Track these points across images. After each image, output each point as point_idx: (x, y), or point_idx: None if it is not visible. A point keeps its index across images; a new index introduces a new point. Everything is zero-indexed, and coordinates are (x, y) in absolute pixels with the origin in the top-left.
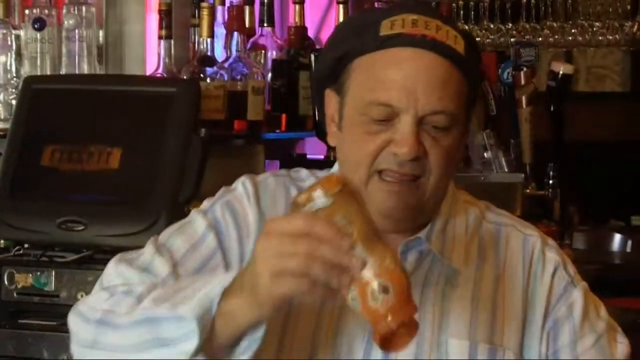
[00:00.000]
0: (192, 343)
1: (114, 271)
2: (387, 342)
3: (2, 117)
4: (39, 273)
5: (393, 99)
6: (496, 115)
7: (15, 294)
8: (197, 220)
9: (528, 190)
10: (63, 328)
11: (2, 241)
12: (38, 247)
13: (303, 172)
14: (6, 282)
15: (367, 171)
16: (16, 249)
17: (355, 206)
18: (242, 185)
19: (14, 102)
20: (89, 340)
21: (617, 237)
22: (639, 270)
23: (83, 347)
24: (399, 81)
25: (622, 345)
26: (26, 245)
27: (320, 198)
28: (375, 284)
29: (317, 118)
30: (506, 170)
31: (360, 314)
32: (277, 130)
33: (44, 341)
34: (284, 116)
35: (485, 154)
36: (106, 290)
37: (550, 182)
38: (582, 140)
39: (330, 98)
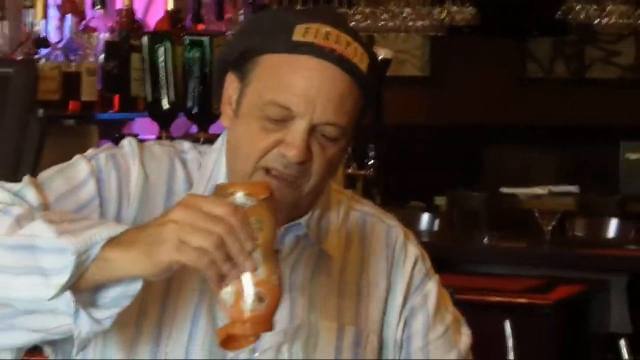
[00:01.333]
0: (64, 277)
1: None
2: (229, 342)
3: None
4: None
5: (292, 103)
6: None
7: None
8: (80, 164)
9: (350, 170)
10: None
11: None
12: None
13: (185, 145)
14: None
15: (253, 165)
16: None
17: (271, 218)
18: (128, 144)
19: None
20: None
21: (426, 216)
22: (446, 248)
23: None
24: (301, 88)
25: (464, 337)
26: None
27: (245, 197)
28: (254, 290)
29: (149, 99)
30: None
31: (225, 309)
32: (110, 111)
33: None
34: (116, 97)
35: None
36: None
37: (370, 162)
38: (394, 124)
39: (232, 81)
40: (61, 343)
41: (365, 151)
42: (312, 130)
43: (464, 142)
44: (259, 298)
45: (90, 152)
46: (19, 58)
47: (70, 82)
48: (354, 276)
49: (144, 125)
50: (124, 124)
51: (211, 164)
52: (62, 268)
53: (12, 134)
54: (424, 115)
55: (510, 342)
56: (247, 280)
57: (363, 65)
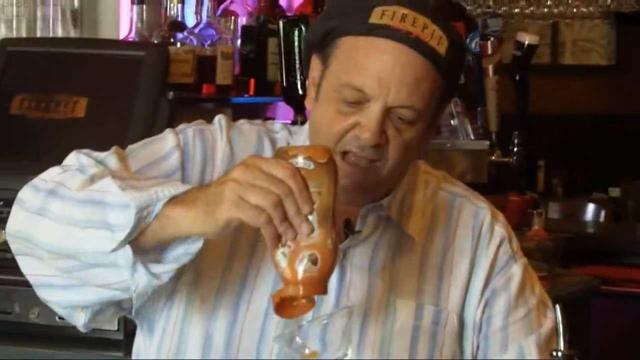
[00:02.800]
0: (125, 231)
1: (72, 158)
2: (282, 307)
3: None
4: None
5: (366, 86)
6: (463, 84)
7: None
8: (167, 137)
9: (493, 157)
10: None
11: None
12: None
13: (277, 125)
14: None
15: (332, 148)
16: None
17: (330, 182)
18: (217, 120)
19: None
20: (36, 207)
21: (591, 207)
22: (609, 239)
23: (31, 212)
24: (375, 70)
25: (549, 320)
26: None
27: (306, 159)
28: (308, 253)
29: (284, 84)
30: (472, 137)
31: (279, 270)
32: (245, 95)
33: (15, 296)
34: (252, 81)
35: (452, 122)
36: (60, 167)
37: (515, 149)
38: (551, 112)
39: (316, 64)
40: (144, 314)
41: (510, 138)
42: (387, 113)
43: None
44: (312, 260)
45: (180, 126)
46: (154, 42)
47: (205, 65)
48: (436, 257)
49: (281, 110)
50: (259, 109)
51: (300, 144)
52: (124, 223)
53: (142, 116)
54: (606, 104)
55: None
56: (302, 243)
57: (441, 48)
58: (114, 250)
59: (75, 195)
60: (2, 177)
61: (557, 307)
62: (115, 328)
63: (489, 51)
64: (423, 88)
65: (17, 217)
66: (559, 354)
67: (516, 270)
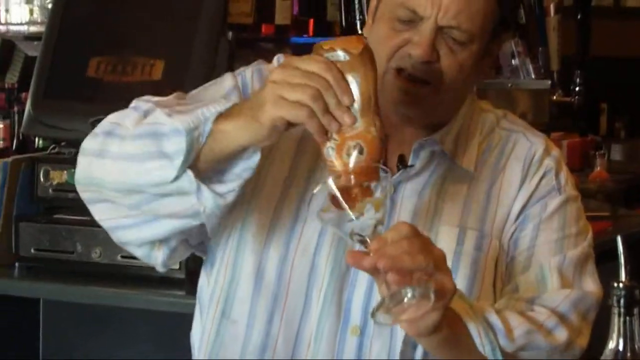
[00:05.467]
0: (181, 156)
1: (133, 104)
2: (338, 201)
3: (38, 20)
4: (73, 170)
5: (418, 5)
6: (525, 24)
7: (50, 191)
8: (226, 79)
9: (555, 97)
10: (95, 223)
11: (40, 140)
12: (73, 145)
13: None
14: (42, 179)
15: (385, 65)
16: (52, 147)
17: (367, 71)
18: (276, 59)
19: (49, 5)
20: (96, 149)
21: None
22: None
23: (91, 155)
24: None
25: (580, 248)
26: (62, 144)
27: (341, 51)
28: (354, 142)
29: (343, 24)
30: (533, 77)
31: (329, 164)
32: (305, 35)
33: (77, 236)
34: (311, 21)
35: (513, 61)
36: (117, 112)
37: (577, 89)
38: (613, 54)
39: None
40: (209, 249)
41: (572, 78)
42: (439, 31)
43: None
44: (359, 150)
45: (240, 69)
46: None
47: (265, 5)
48: (484, 187)
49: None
50: None
51: None
52: (179, 148)
53: (201, 56)
54: None
55: None
56: (347, 134)
57: None
58: (177, 177)
59: (131, 132)
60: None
61: (618, 237)
62: (178, 267)
63: None
64: (475, 10)
65: (81, 165)
66: (620, 284)
67: (557, 200)
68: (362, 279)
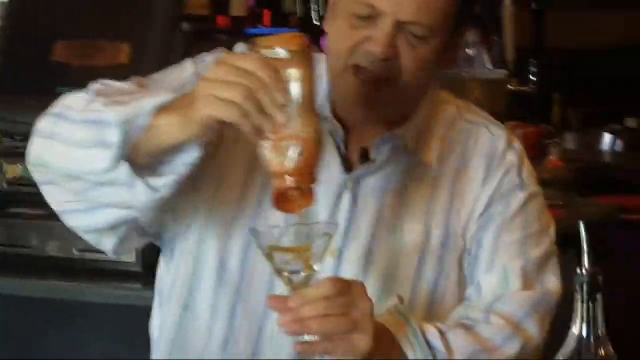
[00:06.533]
0: (115, 147)
1: (91, 86)
2: (281, 201)
3: None
4: None
5: (376, 1)
6: (480, 14)
7: (4, 184)
8: (186, 65)
9: (511, 86)
10: (51, 217)
11: None
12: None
13: None
14: None
15: (343, 63)
16: (6, 140)
17: (305, 71)
18: (239, 47)
19: None
20: (47, 131)
21: (607, 137)
22: (626, 168)
23: (42, 136)
24: None
25: (542, 247)
26: (17, 137)
27: (279, 49)
28: (289, 143)
29: (299, 14)
30: (489, 67)
31: (265, 163)
32: (260, 26)
33: (33, 230)
34: (267, 12)
35: (468, 51)
36: (72, 94)
37: (533, 78)
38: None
39: None
40: (167, 239)
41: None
42: (398, 27)
43: None
44: (295, 150)
45: (200, 55)
46: None
47: None
48: (448, 182)
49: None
50: None
51: (323, 68)
52: (114, 139)
53: (157, 48)
54: (616, 35)
55: None
56: (283, 133)
57: None
58: (112, 167)
59: (78, 116)
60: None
61: (581, 224)
62: (134, 260)
63: None
64: (434, 4)
65: (33, 145)
66: (584, 271)
67: (519, 198)
68: (325, 275)
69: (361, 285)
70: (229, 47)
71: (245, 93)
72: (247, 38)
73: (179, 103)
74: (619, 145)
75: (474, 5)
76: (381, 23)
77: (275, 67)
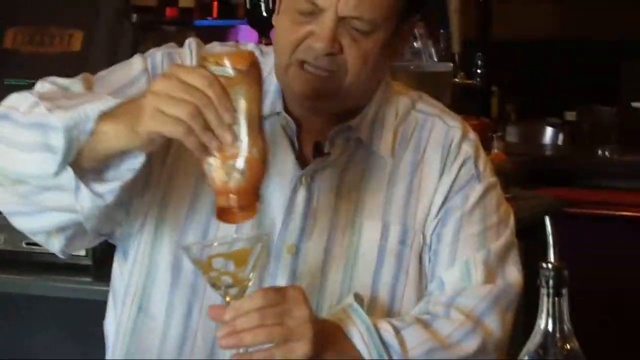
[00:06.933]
0: (60, 152)
1: (38, 86)
2: (223, 215)
3: None
4: None
5: None
6: (426, 5)
7: None
8: (135, 62)
9: (457, 79)
10: None
11: None
12: None
13: (249, 46)
14: None
15: (288, 58)
16: None
17: (253, 89)
18: (188, 44)
19: None
20: None
21: (549, 130)
22: (568, 161)
23: None
24: None
25: (502, 238)
26: None
27: (227, 66)
28: (234, 162)
29: (247, 6)
30: (435, 59)
31: (210, 181)
32: (209, 18)
33: None
34: (215, 3)
35: (415, 44)
36: (20, 93)
37: (479, 71)
38: (512, 37)
39: None
40: (121, 239)
41: (474, 60)
42: (340, 22)
43: (599, 56)
44: (239, 170)
45: (150, 51)
46: None
47: None
48: (405, 175)
49: (245, 33)
50: (223, 31)
51: (270, 63)
52: (59, 144)
53: (105, 40)
54: (559, 28)
55: None
56: (228, 152)
57: None
58: (56, 172)
59: (23, 119)
60: None
61: (547, 218)
62: (84, 254)
63: None
64: None
65: None
66: (549, 265)
67: (477, 189)
68: (283, 271)
69: (298, 291)
70: (178, 39)
71: (192, 111)
72: (196, 30)
73: (125, 109)
74: (560, 138)
75: (419, 1)
76: (323, 18)
77: (222, 85)
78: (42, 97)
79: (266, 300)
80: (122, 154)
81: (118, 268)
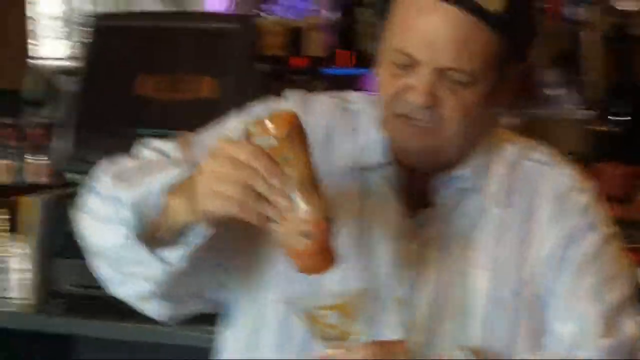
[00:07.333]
0: (125, 229)
1: (136, 149)
2: (304, 271)
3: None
4: None
5: (413, 49)
6: (567, 52)
7: None
8: (230, 120)
9: (595, 127)
10: None
11: (68, 175)
12: None
13: (355, 95)
14: None
15: (387, 111)
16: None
17: (298, 151)
18: (290, 95)
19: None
20: (82, 204)
21: None
22: None
23: (82, 212)
24: (421, 31)
25: (619, 291)
26: None
27: (270, 134)
28: (297, 227)
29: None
30: (575, 107)
31: (281, 247)
32: (338, 66)
33: None
34: (345, 53)
35: (554, 91)
36: (107, 159)
37: (622, 118)
38: None
39: (381, 30)
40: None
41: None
42: (438, 75)
43: None
44: (303, 234)
45: (249, 107)
46: (242, 14)
47: (296, 37)
48: (515, 226)
49: (371, 80)
50: (352, 80)
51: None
52: (127, 217)
53: (233, 90)
54: None
55: None
56: (288, 217)
57: (493, 6)
58: (124, 244)
59: (103, 192)
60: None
61: None
62: None
63: (588, 18)
64: (472, 49)
65: (78, 221)
66: None
67: (593, 242)
68: (392, 324)
69: (401, 346)
70: (305, 88)
71: (242, 187)
72: (324, 78)
73: (187, 184)
74: None
75: (525, 37)
76: (420, 71)
77: (267, 154)
78: (115, 173)
79: (367, 354)
80: (187, 227)
81: (223, 335)
